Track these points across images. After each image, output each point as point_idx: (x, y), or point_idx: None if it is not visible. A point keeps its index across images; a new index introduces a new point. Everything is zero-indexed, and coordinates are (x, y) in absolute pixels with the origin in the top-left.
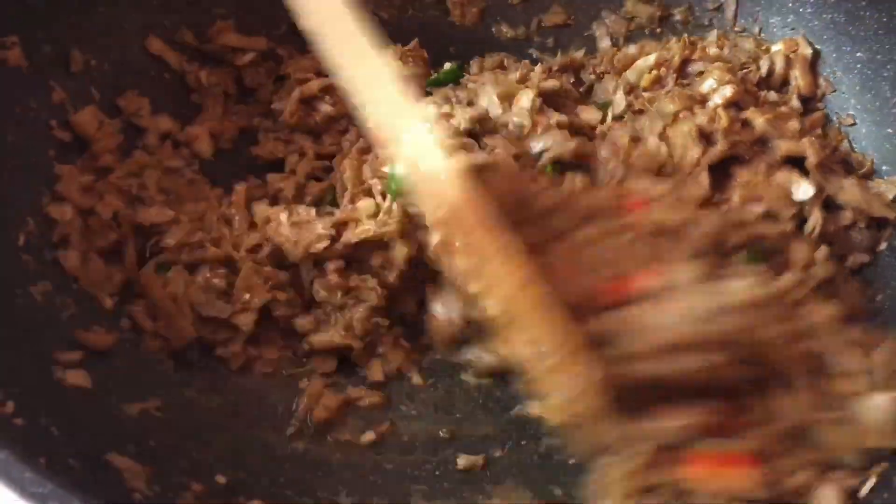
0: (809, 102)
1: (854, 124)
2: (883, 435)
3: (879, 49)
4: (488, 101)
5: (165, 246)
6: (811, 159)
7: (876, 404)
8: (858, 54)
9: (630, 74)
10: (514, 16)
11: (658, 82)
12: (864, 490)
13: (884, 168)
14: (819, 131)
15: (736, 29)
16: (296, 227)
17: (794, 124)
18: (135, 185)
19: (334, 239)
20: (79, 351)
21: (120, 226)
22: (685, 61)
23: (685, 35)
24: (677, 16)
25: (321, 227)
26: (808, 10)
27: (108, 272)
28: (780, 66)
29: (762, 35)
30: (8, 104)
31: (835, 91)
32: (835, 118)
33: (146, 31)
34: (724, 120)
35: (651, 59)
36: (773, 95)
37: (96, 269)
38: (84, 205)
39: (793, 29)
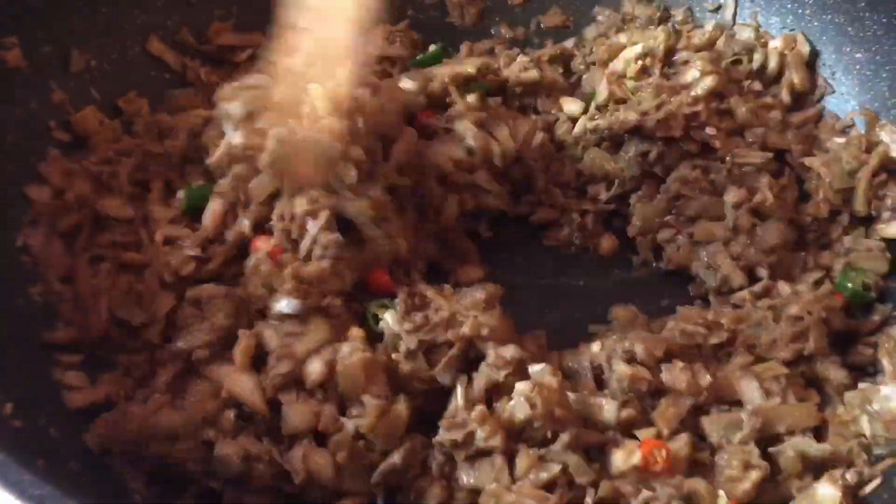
0: (805, 100)
1: (853, 125)
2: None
3: (879, 50)
4: None
5: (105, 241)
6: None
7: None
8: (858, 55)
9: (616, 64)
10: (513, 17)
11: (645, 72)
12: (868, 489)
13: None
14: (812, 127)
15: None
16: None
17: (776, 114)
18: (106, 173)
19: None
20: (77, 352)
21: (80, 210)
22: (670, 51)
23: (670, 24)
24: (677, 16)
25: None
26: (808, 12)
27: (64, 256)
28: (774, 60)
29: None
30: (8, 105)
31: (834, 92)
32: (834, 119)
33: (146, 31)
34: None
35: (637, 48)
36: (756, 85)
37: (55, 252)
38: (60, 187)
39: (792, 30)
